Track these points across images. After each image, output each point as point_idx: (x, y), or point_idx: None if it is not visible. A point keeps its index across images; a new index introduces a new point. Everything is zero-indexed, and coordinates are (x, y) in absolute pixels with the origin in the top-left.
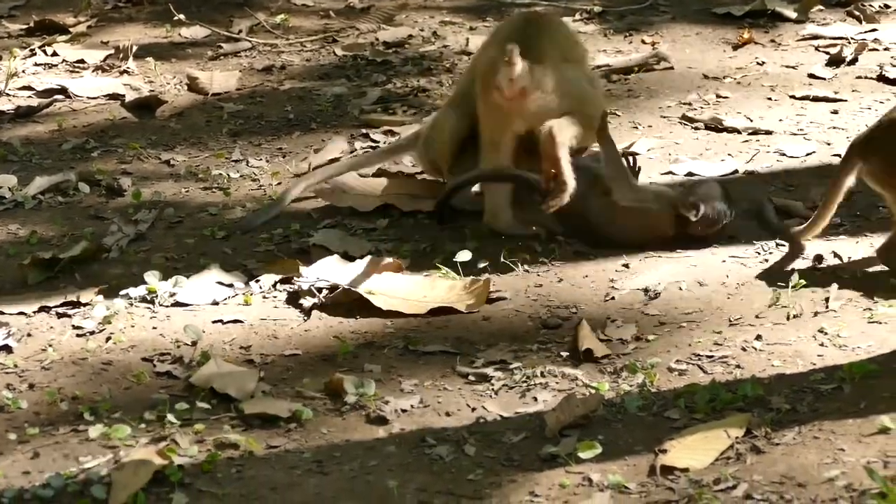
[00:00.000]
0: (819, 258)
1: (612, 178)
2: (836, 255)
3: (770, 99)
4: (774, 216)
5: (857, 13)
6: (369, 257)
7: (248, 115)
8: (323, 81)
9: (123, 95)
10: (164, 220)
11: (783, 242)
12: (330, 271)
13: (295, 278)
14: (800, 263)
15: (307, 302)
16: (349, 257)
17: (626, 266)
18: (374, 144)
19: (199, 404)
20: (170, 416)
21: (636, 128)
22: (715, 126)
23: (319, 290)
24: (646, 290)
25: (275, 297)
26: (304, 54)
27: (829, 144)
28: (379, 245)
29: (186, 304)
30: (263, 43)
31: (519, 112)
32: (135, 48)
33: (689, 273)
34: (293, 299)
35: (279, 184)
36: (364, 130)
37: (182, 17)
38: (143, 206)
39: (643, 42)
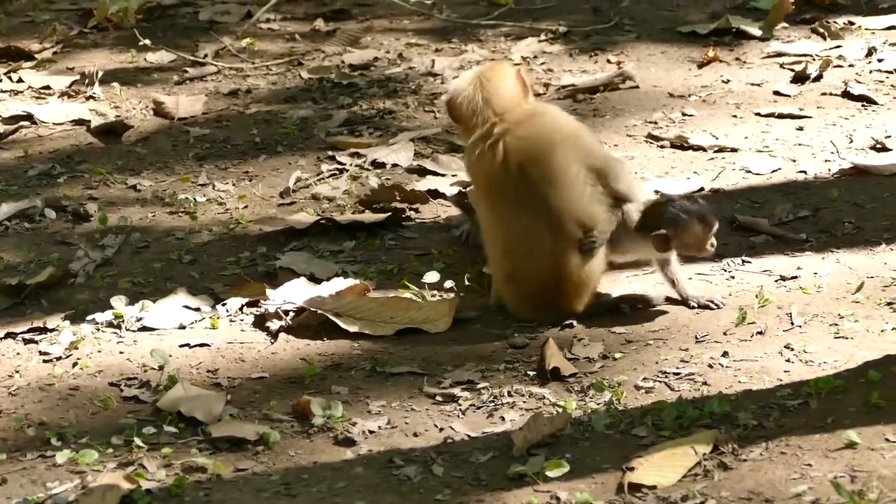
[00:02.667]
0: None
1: None
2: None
3: (735, 116)
4: None
5: (821, 30)
6: (336, 279)
7: (215, 138)
8: (289, 104)
9: (89, 121)
10: (131, 245)
11: (749, 259)
12: (296, 294)
13: (262, 301)
14: (766, 280)
15: (274, 325)
16: (316, 280)
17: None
18: (340, 167)
19: (167, 428)
20: (137, 441)
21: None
22: (681, 144)
23: (286, 312)
24: (613, 308)
25: (242, 320)
26: (269, 78)
27: (794, 161)
28: (346, 267)
29: (153, 329)
30: (229, 67)
31: None
32: (100, 74)
33: (655, 291)
34: (260, 322)
35: (246, 207)
36: (330, 153)
37: (147, 42)
38: (109, 232)
39: (608, 61)
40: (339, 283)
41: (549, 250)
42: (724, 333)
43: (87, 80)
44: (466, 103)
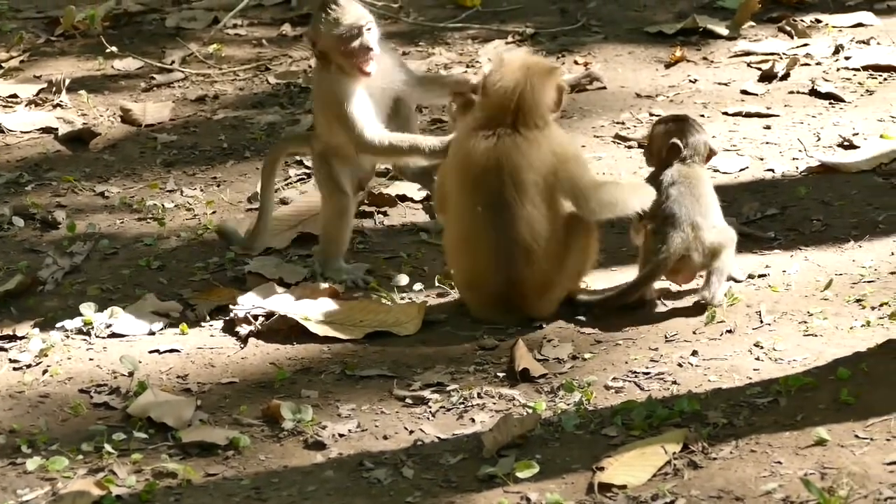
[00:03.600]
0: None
1: None
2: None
3: (703, 116)
4: None
5: (788, 28)
6: (304, 283)
7: (182, 145)
8: (256, 110)
9: (57, 129)
10: (100, 252)
11: None
12: (264, 299)
13: (230, 306)
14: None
15: (243, 330)
16: (285, 284)
17: None
18: (308, 171)
19: (137, 434)
20: (107, 447)
21: None
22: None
23: (255, 317)
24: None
25: (211, 325)
26: (237, 83)
27: (761, 159)
28: (315, 271)
29: (123, 335)
30: (196, 73)
31: None
32: (68, 81)
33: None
34: (230, 327)
35: (214, 212)
36: (298, 158)
37: (114, 49)
38: (77, 239)
39: (576, 62)
40: (307, 288)
41: (504, 254)
42: (694, 332)
43: (54, 89)
44: (501, 91)
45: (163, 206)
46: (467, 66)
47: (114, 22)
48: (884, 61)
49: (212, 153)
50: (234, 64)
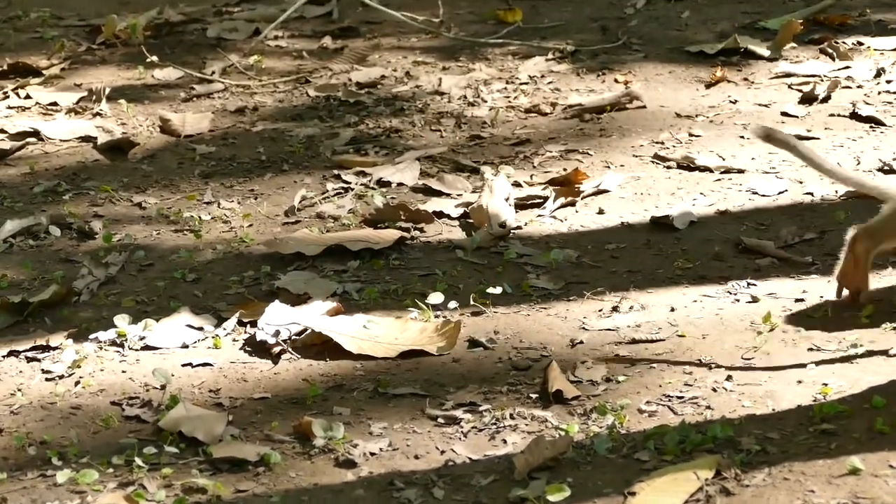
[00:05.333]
0: None
1: None
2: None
3: (742, 137)
4: None
5: (830, 51)
6: (315, 302)
7: (221, 156)
8: (295, 122)
9: (96, 138)
10: (135, 263)
11: (754, 282)
12: (280, 316)
13: (258, 321)
14: (771, 303)
15: (274, 347)
16: (303, 301)
17: (599, 308)
18: (346, 185)
19: (168, 448)
20: (138, 461)
21: (608, 167)
22: (687, 165)
23: (277, 333)
24: (616, 330)
25: (244, 340)
26: (276, 95)
27: (801, 183)
28: (348, 286)
29: (156, 348)
30: (236, 84)
31: None
32: (108, 90)
33: (660, 313)
34: (262, 343)
35: (251, 225)
36: (336, 171)
37: (155, 58)
38: (113, 249)
39: (616, 81)
40: (319, 306)
41: None
42: (729, 357)
43: (94, 97)
44: None
45: (200, 217)
46: (507, 83)
47: (155, 31)
48: None
49: (250, 165)
50: (274, 76)
